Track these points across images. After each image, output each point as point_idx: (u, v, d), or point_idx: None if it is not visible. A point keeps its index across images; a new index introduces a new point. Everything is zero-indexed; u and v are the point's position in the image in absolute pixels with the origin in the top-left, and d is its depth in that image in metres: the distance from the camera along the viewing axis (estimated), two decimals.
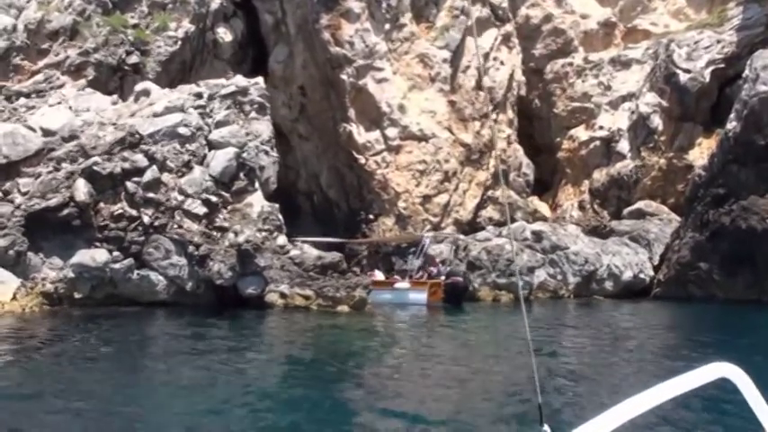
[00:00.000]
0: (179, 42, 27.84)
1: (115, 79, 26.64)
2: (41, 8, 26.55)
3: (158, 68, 27.23)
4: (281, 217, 21.87)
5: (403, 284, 25.36)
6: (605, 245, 28.52)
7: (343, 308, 20.80)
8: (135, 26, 27.65)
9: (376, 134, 29.47)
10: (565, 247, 27.76)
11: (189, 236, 20.39)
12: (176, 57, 27.79)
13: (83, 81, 25.78)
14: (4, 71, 25.41)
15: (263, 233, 20.90)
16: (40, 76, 25.80)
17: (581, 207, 32.57)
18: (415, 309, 23.82)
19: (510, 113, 32.00)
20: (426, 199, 29.48)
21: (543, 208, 32.70)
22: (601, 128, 32.86)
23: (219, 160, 21.45)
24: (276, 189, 23.60)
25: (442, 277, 25.37)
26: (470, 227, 29.77)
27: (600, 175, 32.40)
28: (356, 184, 29.90)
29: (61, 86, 25.44)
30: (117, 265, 20.12)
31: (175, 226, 20.49)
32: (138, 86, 23.65)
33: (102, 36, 26.60)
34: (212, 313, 19.86)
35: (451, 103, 30.38)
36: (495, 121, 31.20)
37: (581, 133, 33.38)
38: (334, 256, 21.99)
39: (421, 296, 24.68)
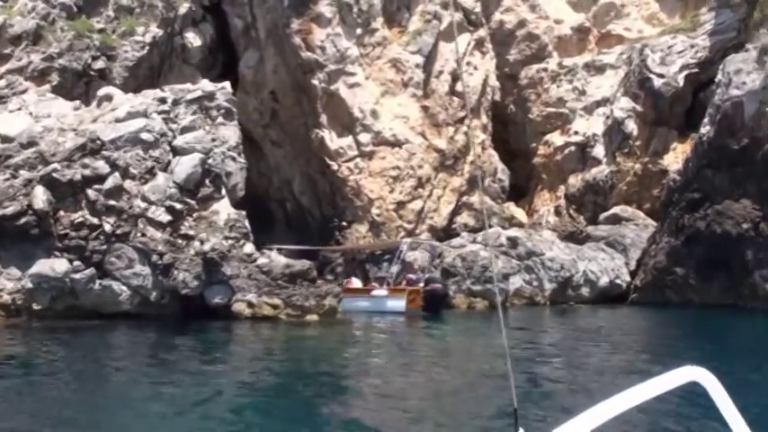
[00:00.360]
0: (147, 47, 27.21)
1: (81, 85, 25.96)
2: (3, 12, 25.84)
3: (125, 74, 26.58)
4: (248, 224, 21.29)
5: (380, 292, 24.82)
6: (581, 250, 28.27)
7: (313, 317, 20.23)
8: (101, 31, 26.98)
9: (348, 140, 29.00)
10: (540, 254, 27.45)
11: (153, 244, 19.77)
12: (144, 62, 27.16)
13: (47, 86, 25.07)
14: None
15: (230, 241, 20.30)
16: (1, 82, 25.06)
17: (557, 213, 32.35)
18: (392, 317, 23.32)
19: (484, 119, 31.71)
20: (400, 205, 29.03)
21: (519, 214, 32.42)
22: (576, 133, 32.70)
23: (184, 166, 20.84)
24: (248, 196, 23.03)
25: (421, 284, 24.91)
26: (445, 233, 29.36)
27: (575, 181, 32.21)
28: (329, 190, 29.39)
29: (24, 92, 24.70)
30: (78, 276, 19.44)
31: (138, 234, 19.86)
32: (101, 91, 23.00)
33: (67, 41, 25.91)
34: (177, 325, 19.25)
35: (425, 109, 30.00)
36: (469, 126, 30.88)
37: (556, 138, 33.20)
38: (303, 263, 21.42)
39: (399, 304, 24.18)
